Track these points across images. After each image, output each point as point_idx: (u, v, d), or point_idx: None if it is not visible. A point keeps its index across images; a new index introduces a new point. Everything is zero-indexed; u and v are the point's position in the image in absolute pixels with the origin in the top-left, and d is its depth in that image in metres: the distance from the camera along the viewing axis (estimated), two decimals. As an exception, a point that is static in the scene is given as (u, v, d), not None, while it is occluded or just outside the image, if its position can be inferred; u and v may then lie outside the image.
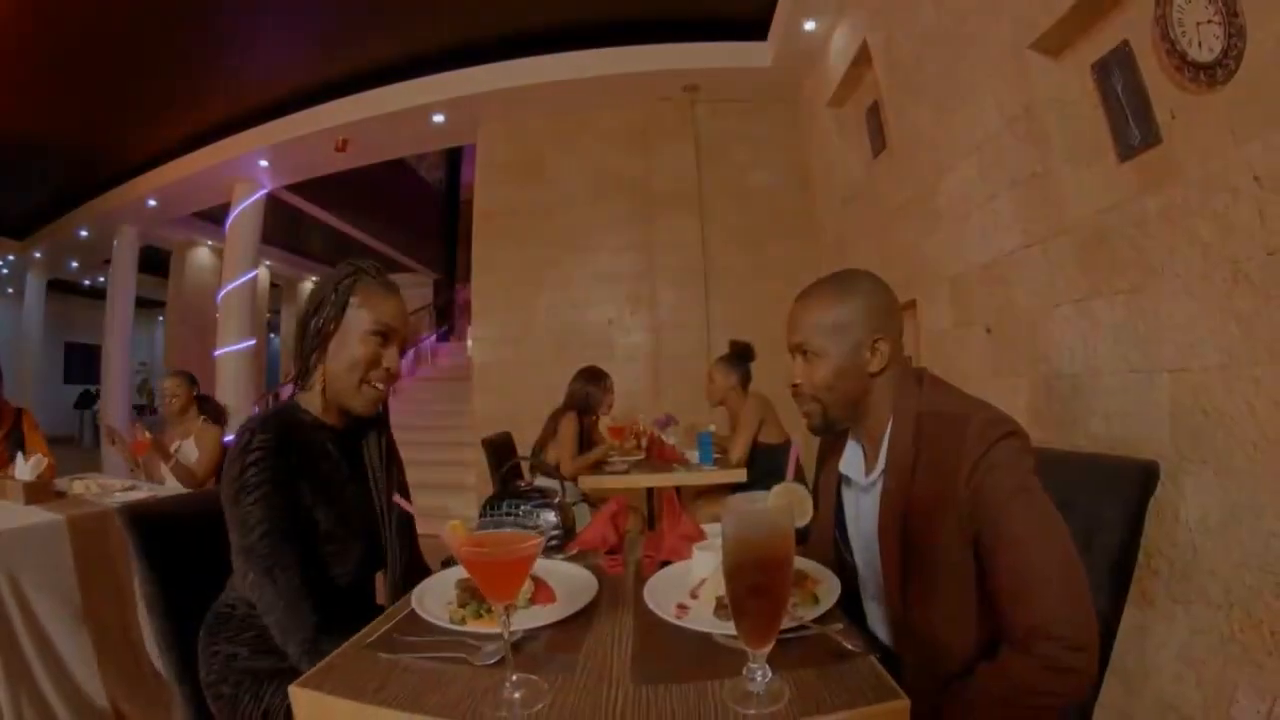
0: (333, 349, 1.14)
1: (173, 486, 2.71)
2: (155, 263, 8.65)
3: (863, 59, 3.58)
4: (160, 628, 1.19)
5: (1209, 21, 1.61)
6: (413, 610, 0.94)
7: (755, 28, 4.40)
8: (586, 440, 3.01)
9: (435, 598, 0.97)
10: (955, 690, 0.85)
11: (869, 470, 1.05)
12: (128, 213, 7.19)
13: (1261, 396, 1.44)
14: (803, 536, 0.93)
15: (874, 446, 1.05)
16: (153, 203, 6.85)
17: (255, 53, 4.78)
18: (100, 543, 2.10)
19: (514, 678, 0.73)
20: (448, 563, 1.15)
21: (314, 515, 1.09)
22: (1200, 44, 1.65)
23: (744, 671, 0.74)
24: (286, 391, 1.23)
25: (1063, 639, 0.79)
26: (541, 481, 2.89)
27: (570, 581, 1.03)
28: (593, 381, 3.11)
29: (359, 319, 1.14)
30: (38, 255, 9.16)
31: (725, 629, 0.82)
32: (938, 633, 0.94)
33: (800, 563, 1.04)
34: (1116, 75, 1.96)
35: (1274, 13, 1.40)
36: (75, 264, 9.77)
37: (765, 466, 2.74)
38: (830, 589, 0.95)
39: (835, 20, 3.91)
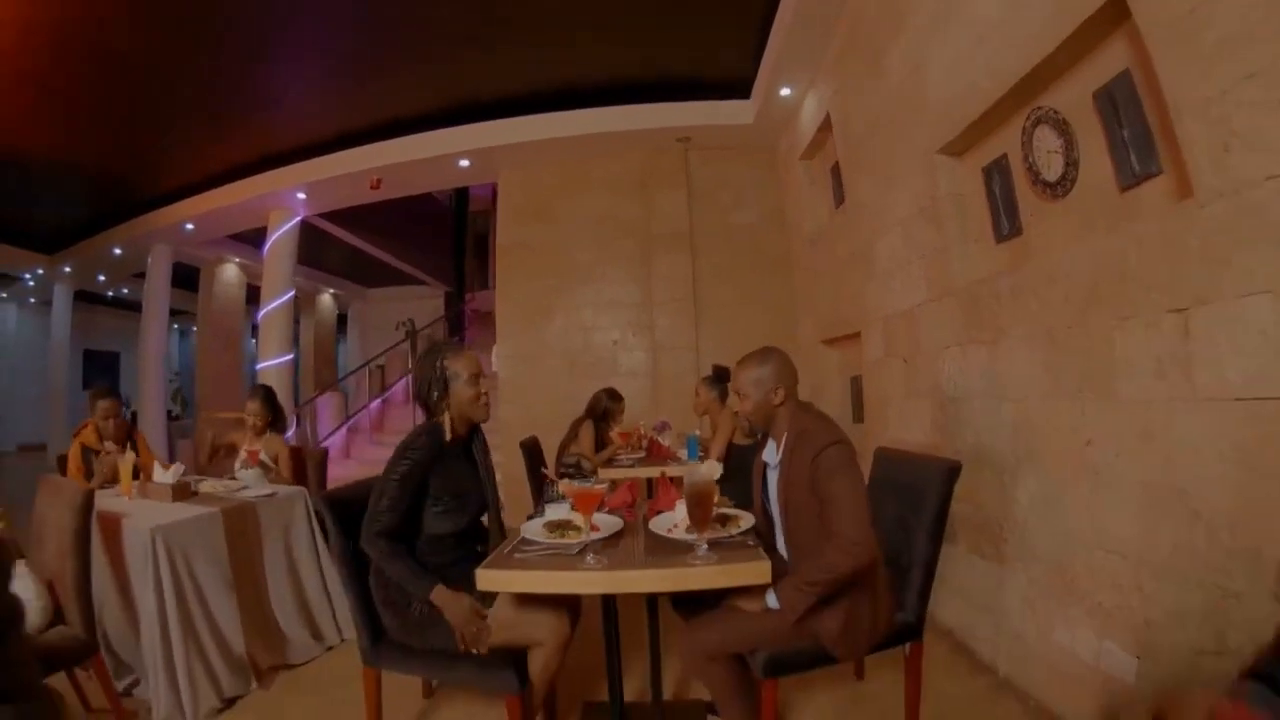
0: (452, 400, 1.88)
1: (234, 484, 3.11)
2: (179, 276, 8.87)
3: (827, 125, 4.10)
4: (346, 572, 1.86)
5: (1055, 151, 2.17)
6: (523, 538, 1.69)
7: (739, 87, 4.90)
8: (600, 443, 3.73)
9: (534, 531, 1.72)
10: (801, 568, 1.60)
11: (776, 457, 1.77)
12: (163, 234, 7.50)
13: (1061, 422, 2.04)
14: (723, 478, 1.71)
15: (779, 444, 1.76)
16: (190, 226, 7.19)
17: (298, 97, 5.12)
18: (242, 528, 2.64)
19: (590, 557, 1.49)
20: (530, 517, 1.88)
21: (439, 487, 1.81)
22: (1049, 167, 2.20)
23: (694, 548, 1.52)
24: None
25: (849, 538, 1.52)
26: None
27: (608, 521, 1.79)
28: (612, 399, 3.87)
29: (458, 375, 1.88)
30: (67, 270, 9.27)
31: (690, 539, 1.58)
32: (805, 548, 1.67)
33: (740, 513, 1.82)
34: (997, 179, 2.49)
35: (1098, 154, 1.97)
36: (103, 277, 9.87)
37: (737, 463, 3.16)
38: (747, 522, 1.74)
39: (807, 89, 4.45)
